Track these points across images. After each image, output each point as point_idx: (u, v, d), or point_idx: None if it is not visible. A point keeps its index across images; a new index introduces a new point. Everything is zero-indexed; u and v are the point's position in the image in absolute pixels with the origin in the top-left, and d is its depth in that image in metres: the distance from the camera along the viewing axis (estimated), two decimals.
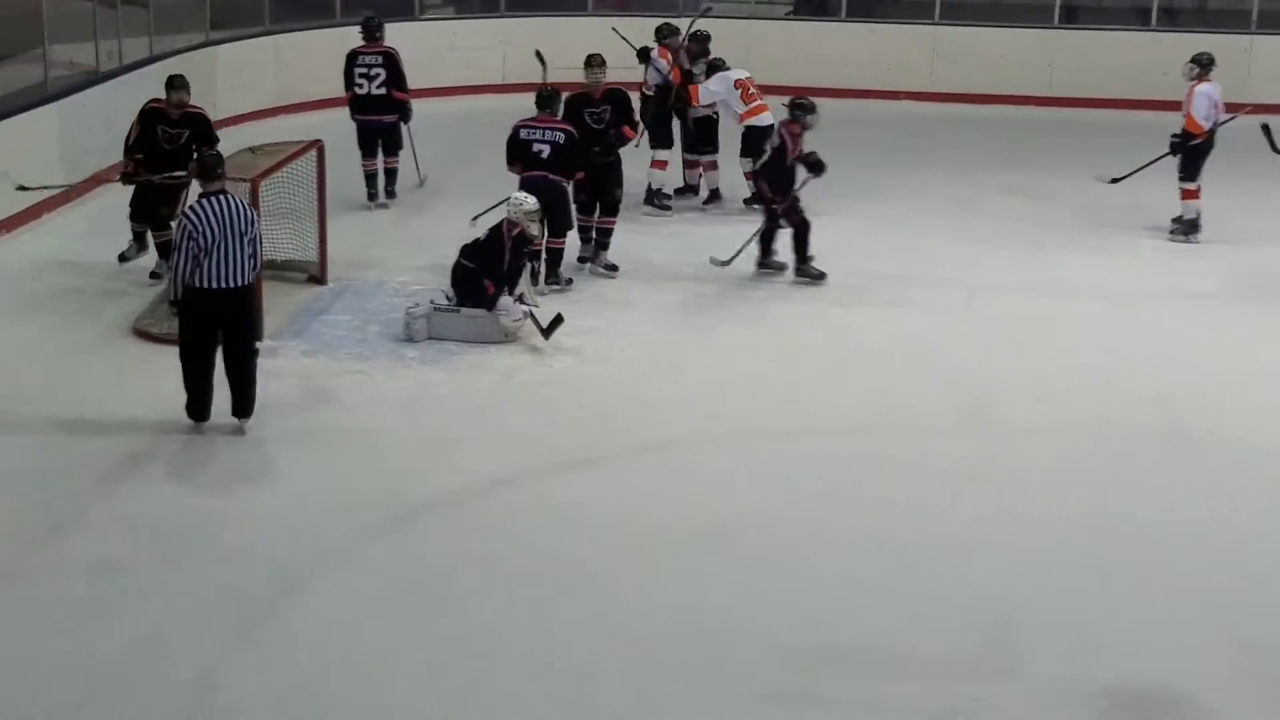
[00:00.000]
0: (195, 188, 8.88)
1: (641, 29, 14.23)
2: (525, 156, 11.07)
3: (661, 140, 13.50)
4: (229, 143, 10.96)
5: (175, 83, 10.96)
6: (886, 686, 6.44)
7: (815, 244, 11.59)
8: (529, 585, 7.19)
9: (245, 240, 8.47)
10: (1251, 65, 18.21)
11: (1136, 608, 7.08)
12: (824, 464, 8.58)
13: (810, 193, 11.61)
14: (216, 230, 8.36)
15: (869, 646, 6.71)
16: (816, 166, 11.54)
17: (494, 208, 11.41)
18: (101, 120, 12.60)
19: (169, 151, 10.85)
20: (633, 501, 8.05)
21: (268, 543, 7.54)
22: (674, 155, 13.72)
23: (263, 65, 16.74)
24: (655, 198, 13.45)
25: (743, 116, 13.34)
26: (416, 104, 13.57)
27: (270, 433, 8.77)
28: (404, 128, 13.45)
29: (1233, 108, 12.88)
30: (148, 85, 11.34)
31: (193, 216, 8.40)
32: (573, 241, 11.54)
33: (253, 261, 8.56)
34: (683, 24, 14.22)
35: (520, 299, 10.31)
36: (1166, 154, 12.92)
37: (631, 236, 11.95)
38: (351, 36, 13.70)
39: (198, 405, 8.67)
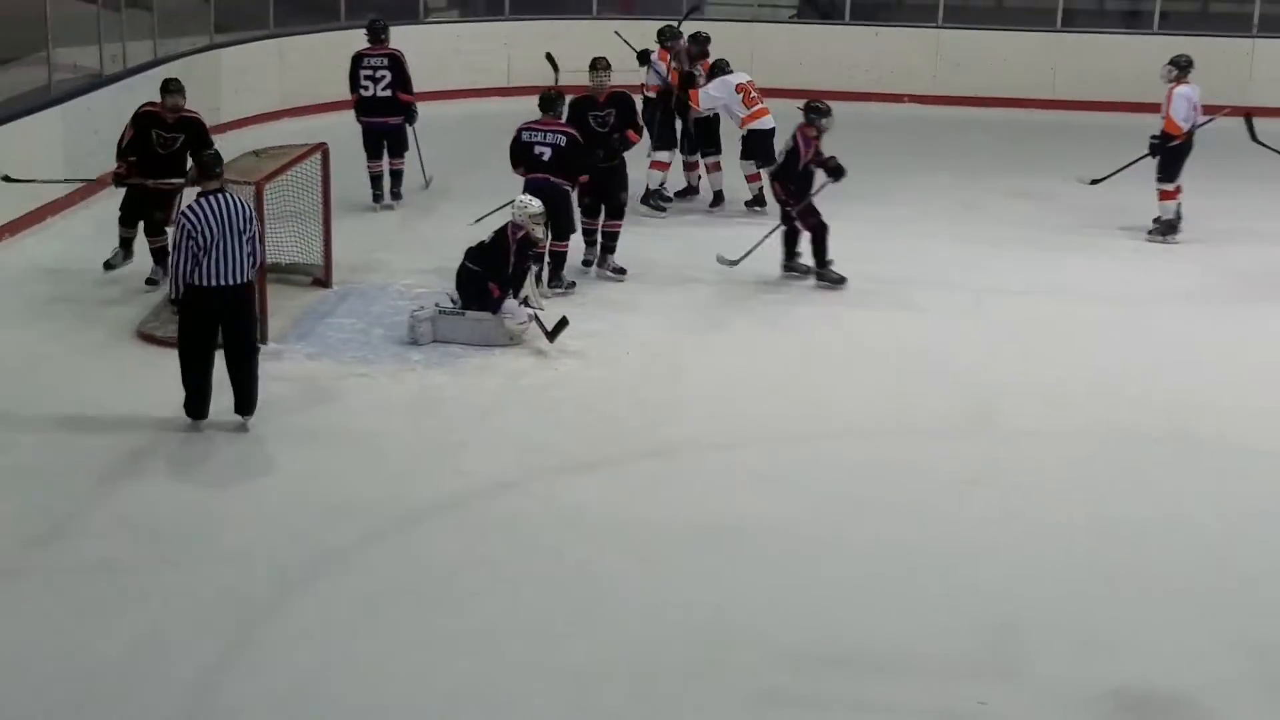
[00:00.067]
0: (188, 193, 8.89)
1: (646, 32, 14.23)
2: (528, 159, 11.08)
3: (665, 142, 13.51)
4: (233, 146, 10.99)
5: (171, 86, 10.91)
6: (891, 688, 6.44)
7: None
8: (532, 587, 7.19)
9: (244, 238, 8.52)
10: (1253, 69, 18.26)
11: (1141, 610, 7.08)
12: (829, 467, 8.58)
13: (815, 195, 11.60)
14: (215, 229, 8.41)
15: (873, 648, 6.71)
16: (836, 171, 11.49)
17: (495, 211, 11.43)
18: (105, 123, 12.59)
19: (163, 156, 10.81)
20: (637, 504, 8.05)
21: (268, 543, 7.55)
22: (675, 156, 13.74)
23: (267, 68, 16.75)
24: (652, 197, 13.46)
25: (744, 120, 13.36)
26: (421, 107, 13.59)
27: (274, 435, 8.78)
28: (409, 129, 13.48)
29: (1211, 110, 12.94)
30: (152, 88, 11.31)
31: (192, 216, 8.46)
32: (577, 244, 11.53)
33: (252, 259, 8.62)
34: (684, 26, 14.25)
35: (525, 302, 10.31)
36: (1146, 155, 13.01)
37: (636, 239, 11.95)
38: (355, 39, 13.73)
39: (196, 403, 8.72)
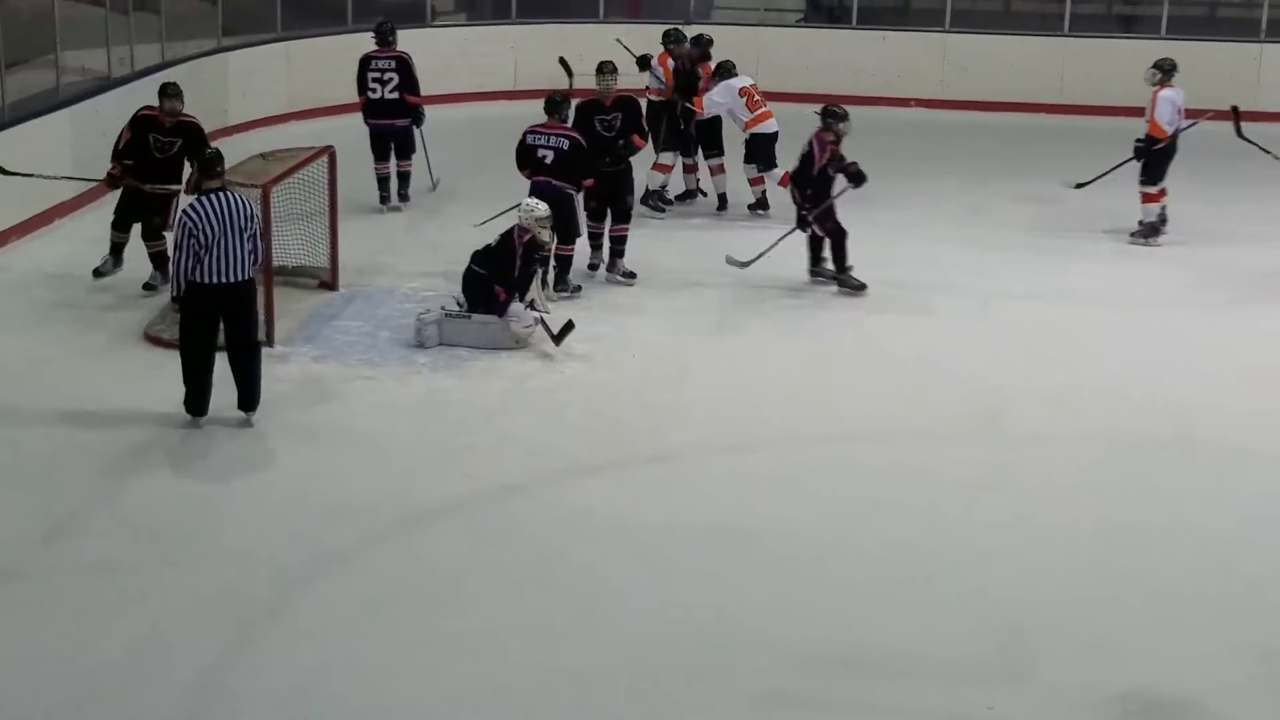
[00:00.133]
0: (184, 199, 8.90)
1: (653, 35, 14.22)
2: (532, 162, 11.09)
3: (667, 144, 13.48)
4: (240, 149, 11.02)
5: (169, 90, 10.88)
6: (898, 692, 6.43)
7: (826, 251, 11.60)
8: (536, 589, 7.20)
9: (245, 236, 8.58)
10: (1261, 73, 18.23)
11: (1148, 615, 7.06)
12: (836, 470, 8.58)
13: (835, 200, 11.57)
14: (217, 227, 8.46)
15: (880, 652, 6.70)
16: (857, 177, 11.44)
17: (500, 215, 11.44)
18: (113, 126, 12.55)
19: (160, 160, 10.80)
20: (643, 507, 8.04)
21: (270, 543, 7.55)
22: (677, 159, 13.76)
23: (274, 71, 16.77)
24: (651, 198, 13.45)
25: (747, 124, 13.37)
26: (427, 110, 13.61)
27: (280, 437, 8.80)
28: (416, 132, 13.49)
29: (1194, 114, 12.97)
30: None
31: (193, 214, 8.50)
32: (582, 248, 11.53)
33: (253, 257, 8.69)
34: (689, 30, 14.27)
35: (531, 305, 10.31)
36: (1131, 159, 13.06)
37: (641, 242, 11.94)
38: (362, 42, 13.74)
39: (196, 400, 8.77)
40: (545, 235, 10.27)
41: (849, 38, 19.07)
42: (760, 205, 13.53)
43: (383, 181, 13.49)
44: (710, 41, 13.94)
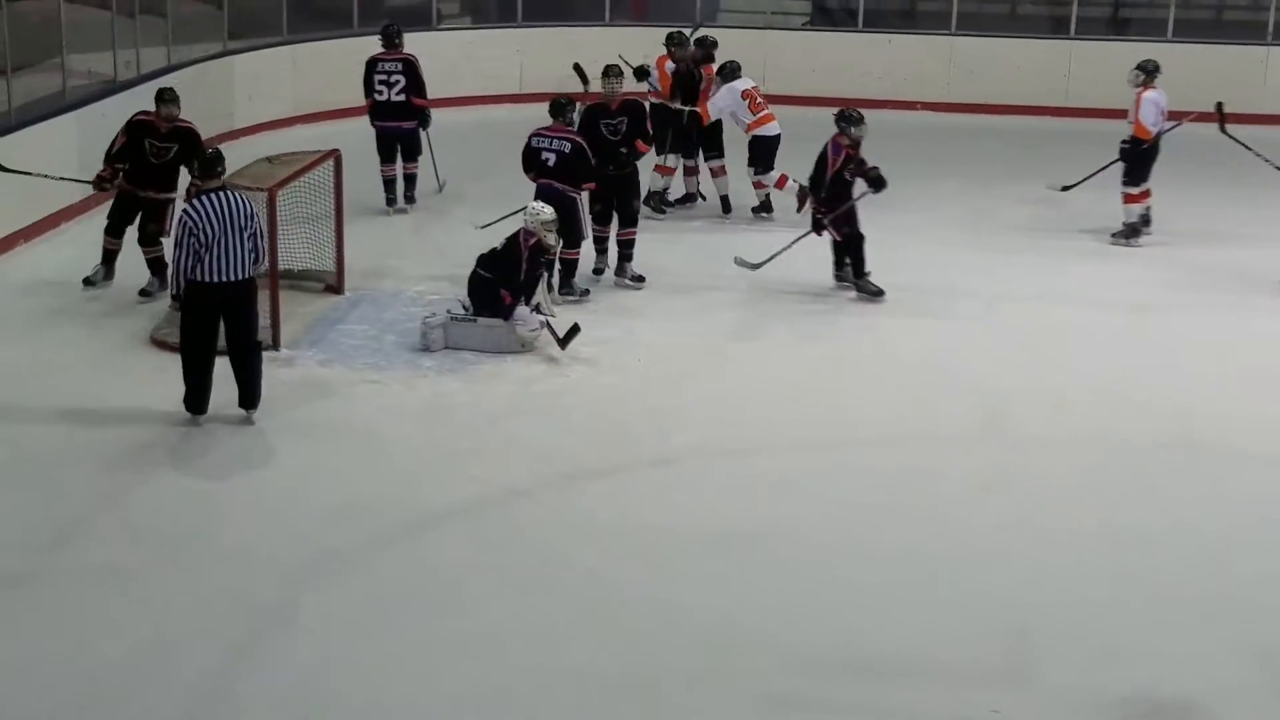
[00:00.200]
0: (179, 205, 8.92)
1: (658, 39, 14.20)
2: (537, 165, 11.12)
3: (672, 147, 13.48)
4: (246, 152, 11.01)
5: (165, 96, 10.84)
6: (902, 694, 6.43)
7: (826, 254, 11.61)
8: (540, 592, 7.20)
9: (245, 235, 8.62)
10: (1268, 75, 18.22)
11: (1153, 617, 7.06)
12: (839, 473, 8.58)
13: (855, 204, 11.55)
14: (216, 226, 8.51)
15: (884, 654, 6.70)
16: (877, 183, 11.40)
17: (505, 218, 11.45)
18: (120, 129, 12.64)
19: (155, 166, 10.78)
20: (647, 510, 8.05)
21: (275, 545, 7.57)
22: (679, 161, 13.77)
23: (280, 75, 16.79)
24: (653, 200, 13.46)
25: (750, 126, 13.38)
26: (433, 113, 13.62)
27: (285, 440, 8.81)
28: (423, 134, 13.51)
29: (1176, 115, 13.01)
30: None
31: (193, 213, 8.55)
32: (587, 252, 11.54)
33: (254, 255, 8.73)
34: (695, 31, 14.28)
35: (537, 309, 10.32)
36: (1117, 160, 13.12)
37: (646, 246, 11.93)
38: (368, 46, 13.77)
39: (196, 398, 8.82)
40: (550, 239, 10.27)
41: (855, 41, 19.07)
42: (764, 209, 13.53)
43: (389, 183, 13.51)
44: (714, 44, 13.94)
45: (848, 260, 11.58)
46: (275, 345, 9.83)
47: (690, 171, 13.87)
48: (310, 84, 16.84)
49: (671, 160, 13.58)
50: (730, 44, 14.34)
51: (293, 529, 7.75)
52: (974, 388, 9.77)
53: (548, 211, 10.23)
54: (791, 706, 6.34)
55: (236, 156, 9.77)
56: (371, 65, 13.39)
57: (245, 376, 8.86)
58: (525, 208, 10.39)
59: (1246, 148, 12.83)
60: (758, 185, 13.48)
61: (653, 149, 12.30)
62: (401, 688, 6.37)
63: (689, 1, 18.85)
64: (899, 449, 8.90)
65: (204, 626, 6.80)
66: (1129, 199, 13.08)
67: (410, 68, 13.32)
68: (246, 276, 8.69)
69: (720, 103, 13.39)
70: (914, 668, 6.61)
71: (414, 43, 13.93)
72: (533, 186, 11.09)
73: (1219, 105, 12.92)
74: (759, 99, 13.43)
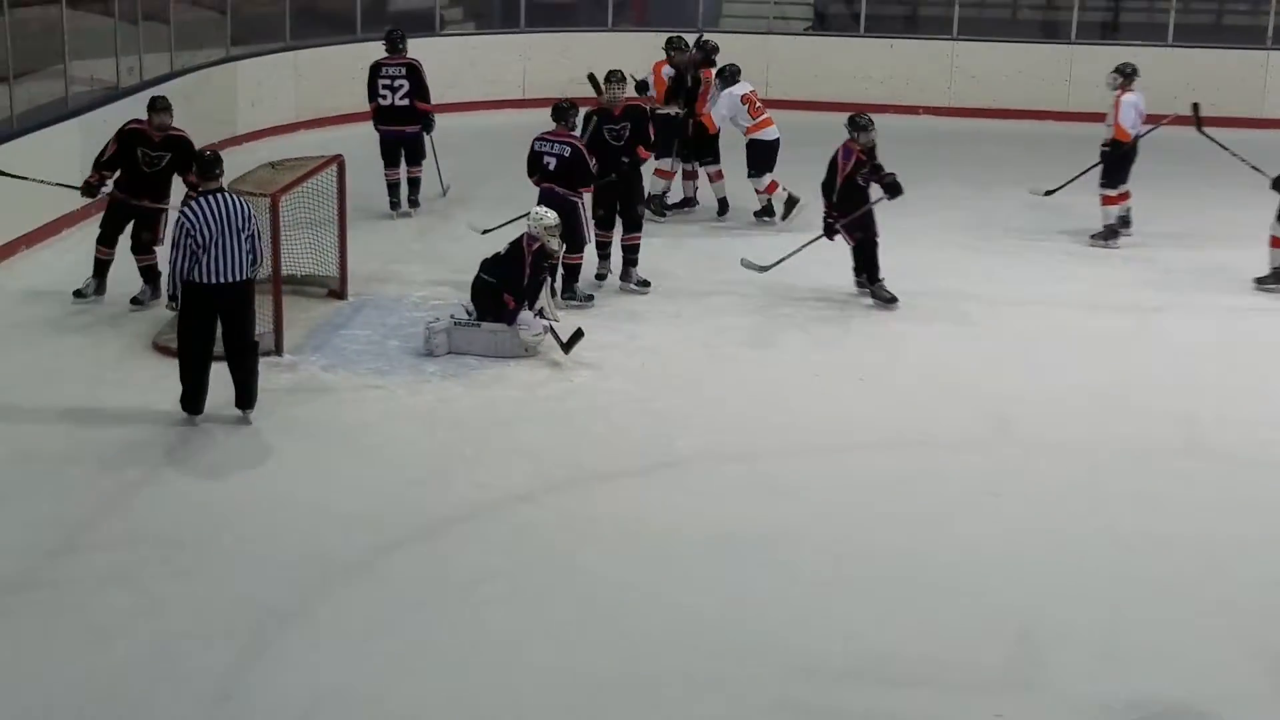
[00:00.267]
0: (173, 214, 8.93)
1: (659, 44, 14.23)
2: (539, 169, 11.16)
3: (666, 150, 13.48)
4: (249, 158, 11.01)
5: (158, 104, 10.74)
6: (907, 700, 6.43)
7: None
8: (544, 597, 7.20)
9: (243, 236, 8.64)
10: (1268, 79, 18.24)
11: (1159, 621, 7.06)
12: (844, 477, 8.59)
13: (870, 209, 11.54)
14: (214, 227, 8.53)
15: (891, 659, 6.70)
16: (892, 188, 11.33)
17: (507, 224, 11.46)
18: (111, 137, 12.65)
19: (148, 175, 10.70)
20: (653, 515, 8.05)
21: (283, 553, 7.55)
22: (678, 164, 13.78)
23: (283, 81, 16.81)
24: (652, 203, 13.46)
25: (748, 130, 13.41)
26: (436, 118, 13.65)
27: (290, 446, 8.81)
28: (427, 138, 13.54)
29: (1153, 118, 13.09)
30: (170, 100, 11.32)
31: (190, 214, 8.57)
32: (590, 257, 11.56)
33: (251, 257, 8.74)
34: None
35: (540, 313, 10.33)
36: (1098, 163, 13.20)
37: (649, 250, 11.94)
38: (371, 51, 13.80)
39: (192, 398, 8.85)
40: (554, 243, 10.28)
41: (857, 45, 19.11)
42: (765, 212, 13.55)
43: (393, 187, 13.54)
44: (715, 49, 13.95)
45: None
46: (278, 350, 9.85)
47: (689, 175, 13.88)
48: (313, 90, 16.87)
49: (667, 164, 13.58)
50: (732, 49, 14.38)
51: (297, 533, 7.75)
52: (978, 391, 9.78)
53: (551, 216, 10.25)
54: (795, 710, 6.34)
55: (239, 162, 9.76)
56: (375, 70, 13.43)
57: (241, 377, 8.89)
58: (529, 212, 10.40)
59: (1223, 148, 12.83)
60: (768, 189, 13.46)
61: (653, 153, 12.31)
62: (408, 693, 6.37)
63: (690, 6, 18.87)
64: (903, 453, 8.90)
65: (206, 628, 6.80)
66: (1107, 200, 13.21)
67: (414, 72, 13.36)
68: (243, 278, 8.71)
69: (722, 109, 13.43)
70: (917, 672, 6.61)
71: (417, 48, 13.96)
72: (535, 191, 11.12)
73: (1195, 106, 12.97)
74: (758, 103, 13.47)
